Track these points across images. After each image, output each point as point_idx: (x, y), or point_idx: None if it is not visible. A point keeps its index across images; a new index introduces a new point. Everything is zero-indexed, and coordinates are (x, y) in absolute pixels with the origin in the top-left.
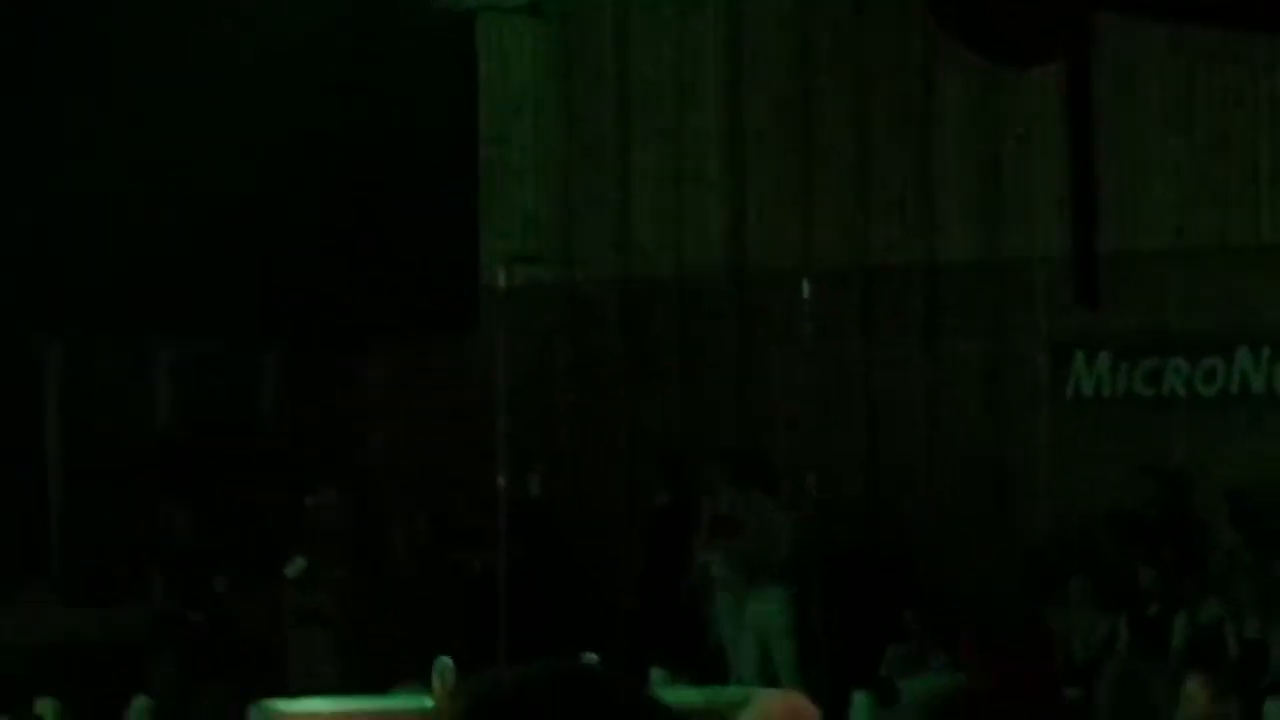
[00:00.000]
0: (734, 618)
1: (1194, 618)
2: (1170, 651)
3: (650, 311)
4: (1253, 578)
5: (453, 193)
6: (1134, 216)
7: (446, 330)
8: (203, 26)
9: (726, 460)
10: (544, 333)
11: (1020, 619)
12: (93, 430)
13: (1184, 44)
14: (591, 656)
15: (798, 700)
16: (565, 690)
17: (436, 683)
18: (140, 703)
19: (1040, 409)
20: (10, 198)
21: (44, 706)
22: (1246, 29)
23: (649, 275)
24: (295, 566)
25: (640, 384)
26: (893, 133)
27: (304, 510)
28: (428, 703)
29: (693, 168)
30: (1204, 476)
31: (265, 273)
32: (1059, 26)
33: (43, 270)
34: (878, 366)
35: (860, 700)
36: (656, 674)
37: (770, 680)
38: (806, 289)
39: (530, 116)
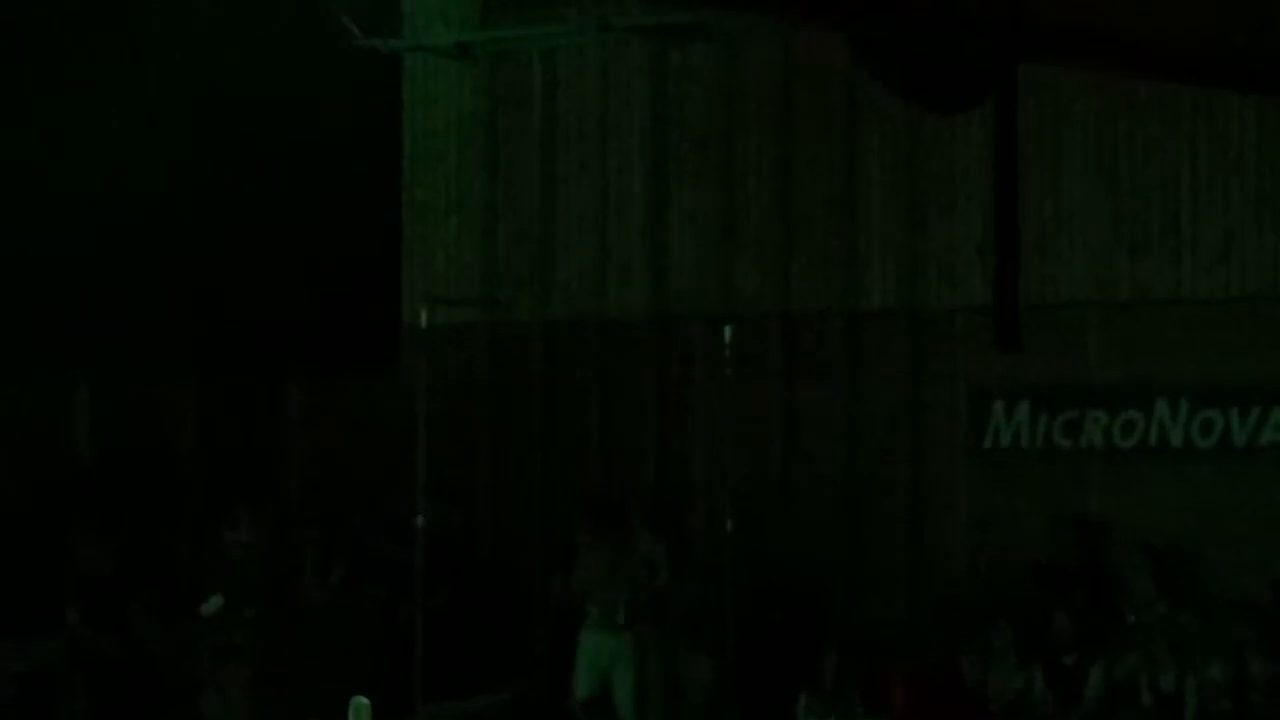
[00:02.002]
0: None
1: (1110, 669)
2: (1085, 702)
3: (572, 353)
4: (1168, 630)
5: (376, 231)
6: (1054, 266)
7: (367, 368)
8: (120, 63)
9: (642, 503)
10: (466, 373)
11: (940, 666)
12: (9, 461)
13: (1106, 94)
14: (506, 696)
15: None
16: None
17: None
18: None
19: (959, 457)
20: None
21: None
22: (1169, 80)
23: (571, 317)
24: (211, 604)
25: (562, 426)
26: (815, 178)
27: (221, 545)
28: None
29: (616, 211)
30: (1121, 528)
31: (186, 306)
32: (984, 73)
33: None
34: (798, 412)
35: None
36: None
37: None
38: (728, 333)
39: (455, 157)
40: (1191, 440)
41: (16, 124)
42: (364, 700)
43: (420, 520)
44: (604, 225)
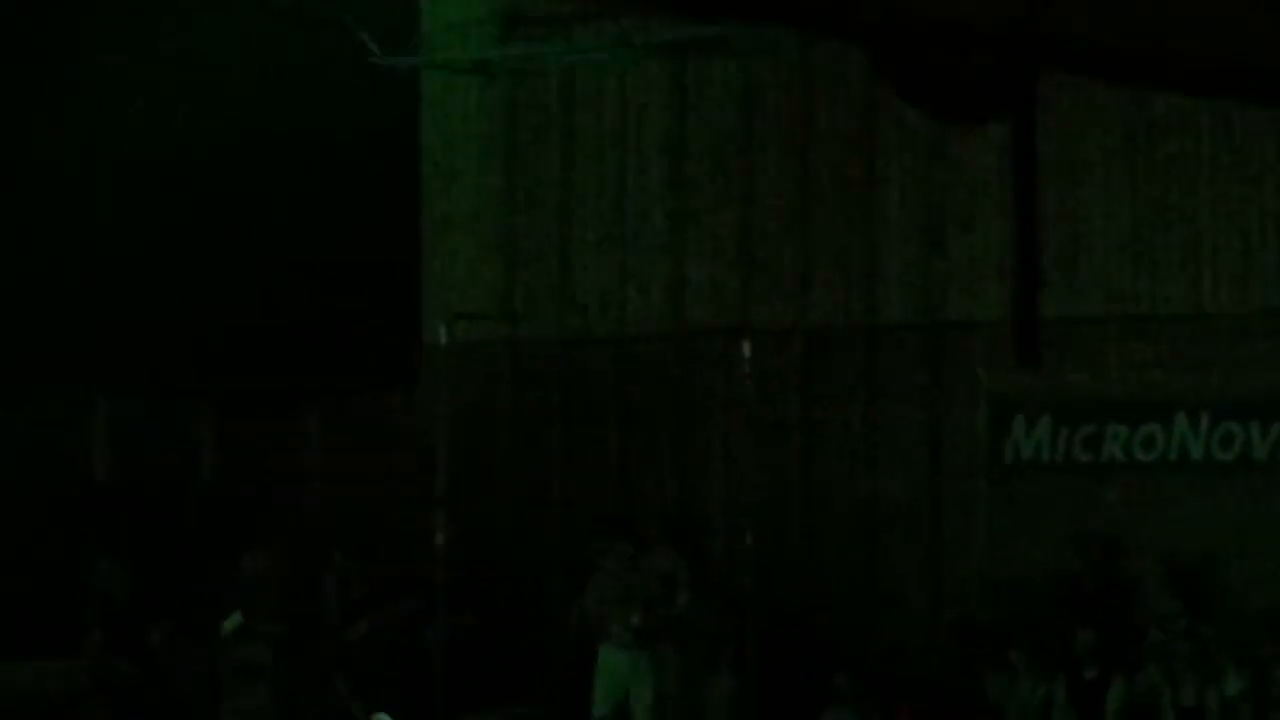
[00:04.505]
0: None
1: (1130, 683)
2: (1106, 716)
3: (591, 369)
4: (1188, 643)
5: (395, 249)
6: (1074, 283)
7: (387, 386)
8: (140, 81)
9: (663, 520)
10: (485, 389)
11: (957, 684)
12: (31, 485)
13: (1125, 110)
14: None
15: None
16: None
17: None
18: None
19: (979, 473)
20: None
21: None
22: (1190, 95)
23: (590, 333)
24: (232, 621)
25: (580, 441)
26: (835, 194)
27: (240, 566)
28: None
29: (634, 227)
30: (1142, 542)
31: (206, 329)
32: (1003, 86)
33: None
34: (817, 427)
35: None
36: None
37: None
38: (747, 349)
39: (473, 174)
40: (1212, 454)
41: (36, 150)
42: (386, 716)
43: (440, 539)
44: (623, 241)
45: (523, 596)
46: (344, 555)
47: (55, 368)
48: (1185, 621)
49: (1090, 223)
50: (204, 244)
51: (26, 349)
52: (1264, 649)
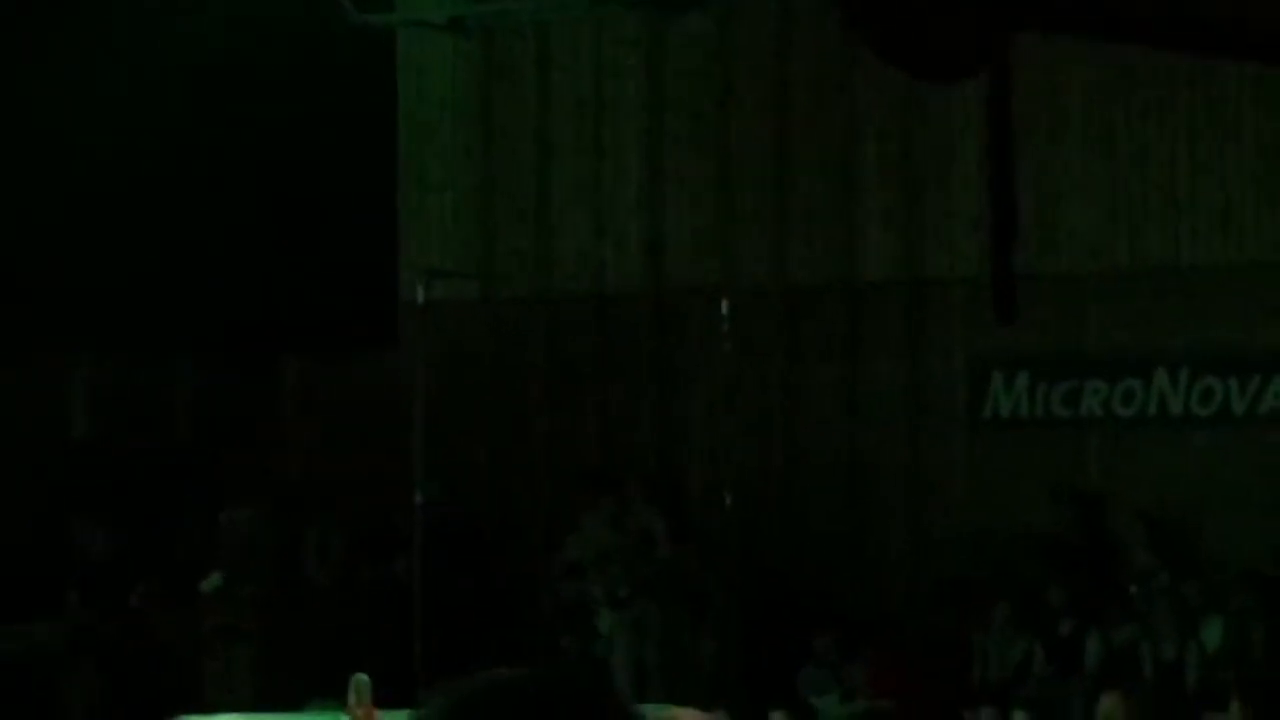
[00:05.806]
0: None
1: (1109, 639)
2: (1084, 671)
3: (569, 328)
4: (1167, 599)
5: (372, 207)
6: (1052, 237)
7: (365, 345)
8: (116, 39)
9: (643, 478)
10: (463, 348)
11: (933, 639)
12: (7, 444)
13: (1103, 63)
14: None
15: None
16: (541, 694)
17: (352, 699)
18: None
19: (958, 429)
20: None
21: None
22: (1166, 48)
23: (568, 291)
24: (211, 582)
25: (559, 400)
26: (812, 151)
27: (220, 525)
28: (343, 719)
29: (612, 184)
30: (1121, 498)
31: (183, 286)
32: (978, 42)
33: None
34: (797, 385)
35: None
36: None
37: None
38: (726, 306)
39: (450, 132)
40: (1191, 409)
41: (12, 110)
42: (364, 678)
43: (419, 498)
44: (600, 199)
45: (501, 554)
46: (323, 515)
47: (30, 326)
48: (1165, 577)
49: (1067, 177)
50: (180, 201)
51: (1, 310)
52: (1242, 601)
